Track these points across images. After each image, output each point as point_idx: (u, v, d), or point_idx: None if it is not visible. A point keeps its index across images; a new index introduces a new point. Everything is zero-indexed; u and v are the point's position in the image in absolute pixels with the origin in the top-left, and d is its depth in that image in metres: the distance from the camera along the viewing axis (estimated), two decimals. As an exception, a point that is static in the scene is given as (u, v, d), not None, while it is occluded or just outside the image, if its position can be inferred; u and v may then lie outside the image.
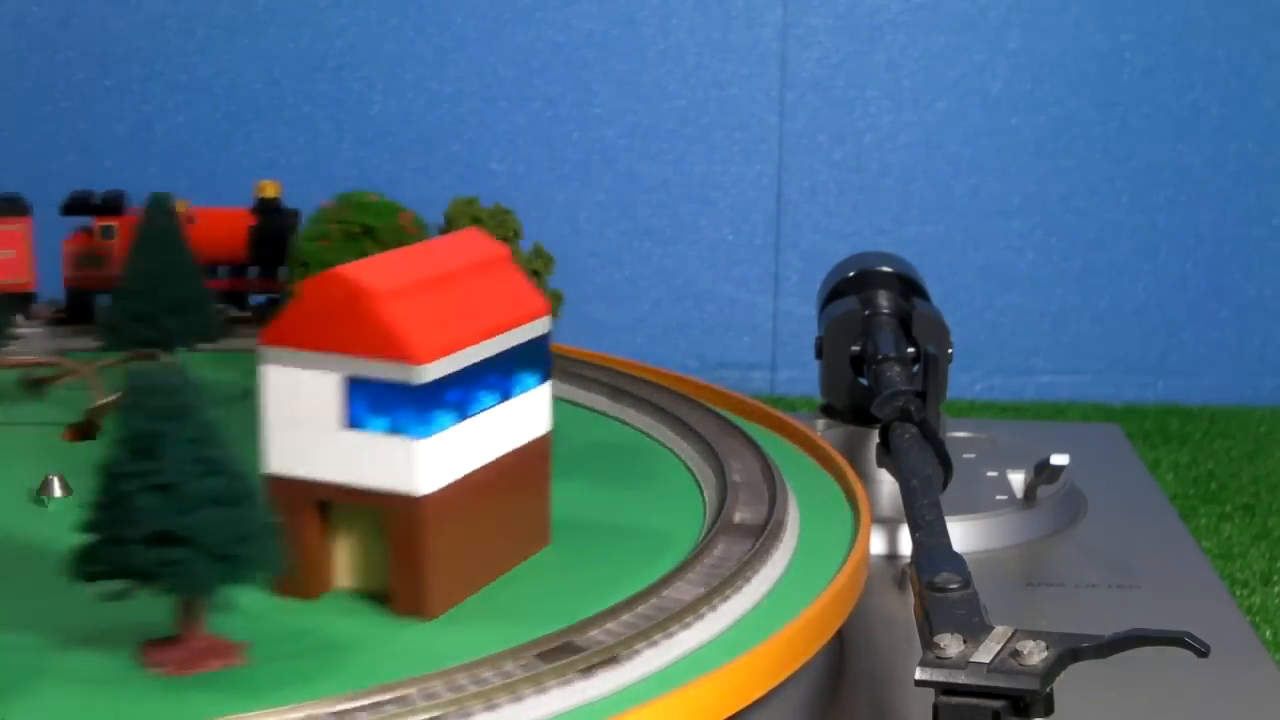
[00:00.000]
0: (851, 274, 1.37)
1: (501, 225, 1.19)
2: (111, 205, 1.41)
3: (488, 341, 0.93)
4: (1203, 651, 0.74)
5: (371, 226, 1.18)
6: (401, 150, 1.77)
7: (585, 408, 1.32)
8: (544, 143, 1.78)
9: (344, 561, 0.93)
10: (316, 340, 0.88)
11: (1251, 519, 1.38)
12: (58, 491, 1.04)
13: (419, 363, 0.87)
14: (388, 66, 1.77)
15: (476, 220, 1.18)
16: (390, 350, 0.87)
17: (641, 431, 1.29)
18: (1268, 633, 1.13)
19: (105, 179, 1.78)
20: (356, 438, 0.89)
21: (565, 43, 1.76)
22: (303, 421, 0.89)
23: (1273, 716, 0.97)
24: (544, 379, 0.99)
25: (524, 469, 0.98)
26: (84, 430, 1.18)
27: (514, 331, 0.96)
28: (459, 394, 0.91)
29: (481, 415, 0.93)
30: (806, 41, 1.76)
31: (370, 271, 0.89)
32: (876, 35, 1.75)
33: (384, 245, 1.15)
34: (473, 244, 1.00)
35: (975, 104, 1.76)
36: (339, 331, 0.88)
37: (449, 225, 1.21)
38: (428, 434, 0.88)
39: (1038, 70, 1.75)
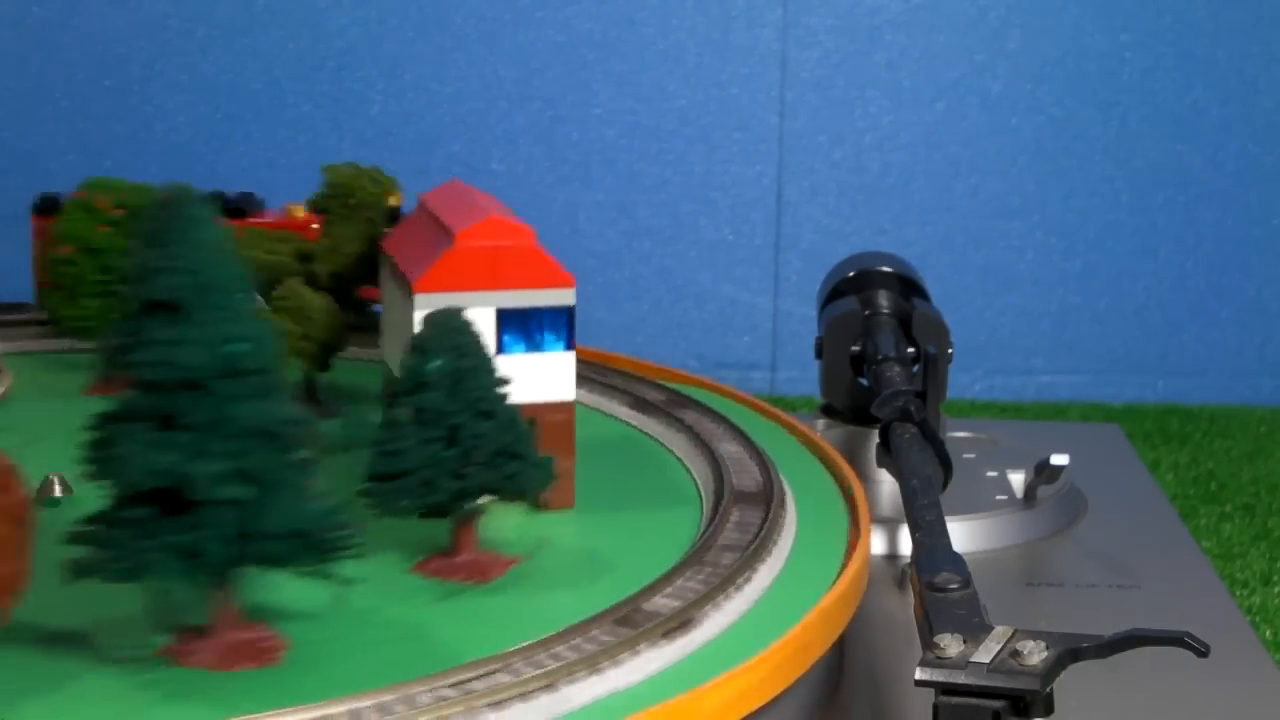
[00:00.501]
0: (851, 274, 1.37)
1: (379, 184, 1.23)
2: (240, 207, 1.41)
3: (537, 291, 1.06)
4: (1203, 651, 0.74)
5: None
6: (401, 150, 1.77)
7: (578, 404, 1.33)
8: (544, 143, 1.78)
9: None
10: (471, 281, 1.02)
11: (1251, 519, 1.38)
12: (58, 491, 1.04)
13: (572, 287, 1.04)
14: (388, 66, 1.77)
15: (375, 181, 1.22)
16: (551, 280, 1.03)
17: (636, 428, 1.29)
18: (1268, 633, 1.13)
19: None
20: (508, 361, 1.00)
21: (565, 43, 1.76)
22: None
23: (1273, 716, 0.97)
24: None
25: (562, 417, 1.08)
26: None
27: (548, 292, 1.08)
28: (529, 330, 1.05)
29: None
30: (806, 41, 1.76)
31: (507, 218, 1.05)
32: (876, 35, 1.75)
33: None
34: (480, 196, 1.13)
35: (975, 104, 1.76)
36: (495, 271, 1.02)
37: (341, 191, 1.22)
38: (571, 349, 1.04)
39: (1038, 70, 1.75)
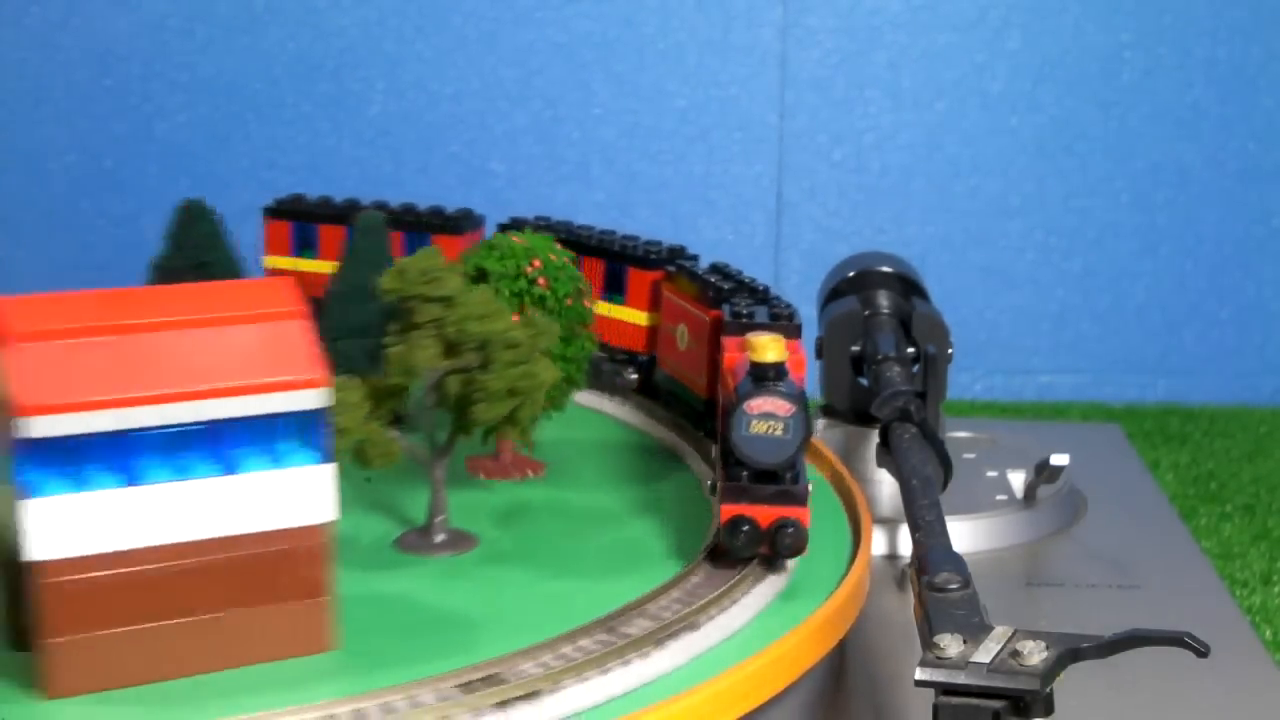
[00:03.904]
0: (851, 274, 1.37)
1: (432, 284, 1.00)
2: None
3: (182, 404, 0.81)
4: (1203, 651, 0.74)
5: (486, 270, 1.13)
6: (401, 150, 1.77)
7: (576, 404, 1.33)
8: (544, 143, 1.78)
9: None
10: None
11: (1251, 519, 1.38)
12: None
13: (26, 415, 0.78)
14: (388, 66, 1.77)
15: (401, 273, 1.01)
16: (10, 399, 0.79)
17: (636, 429, 1.29)
18: (1268, 633, 1.13)
19: (105, 179, 1.78)
20: (5, 490, 0.82)
21: (565, 43, 1.76)
22: None
23: (1273, 717, 0.97)
24: (321, 459, 0.86)
25: (269, 558, 0.85)
26: None
27: (244, 399, 0.83)
28: (124, 457, 0.81)
29: (168, 486, 0.82)
30: (806, 41, 1.76)
31: (40, 308, 0.81)
32: (876, 35, 1.75)
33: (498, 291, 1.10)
34: (261, 294, 0.89)
35: (975, 104, 1.76)
36: None
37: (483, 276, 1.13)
38: (44, 494, 0.79)
39: (1038, 70, 1.75)
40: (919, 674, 0.75)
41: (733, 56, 1.76)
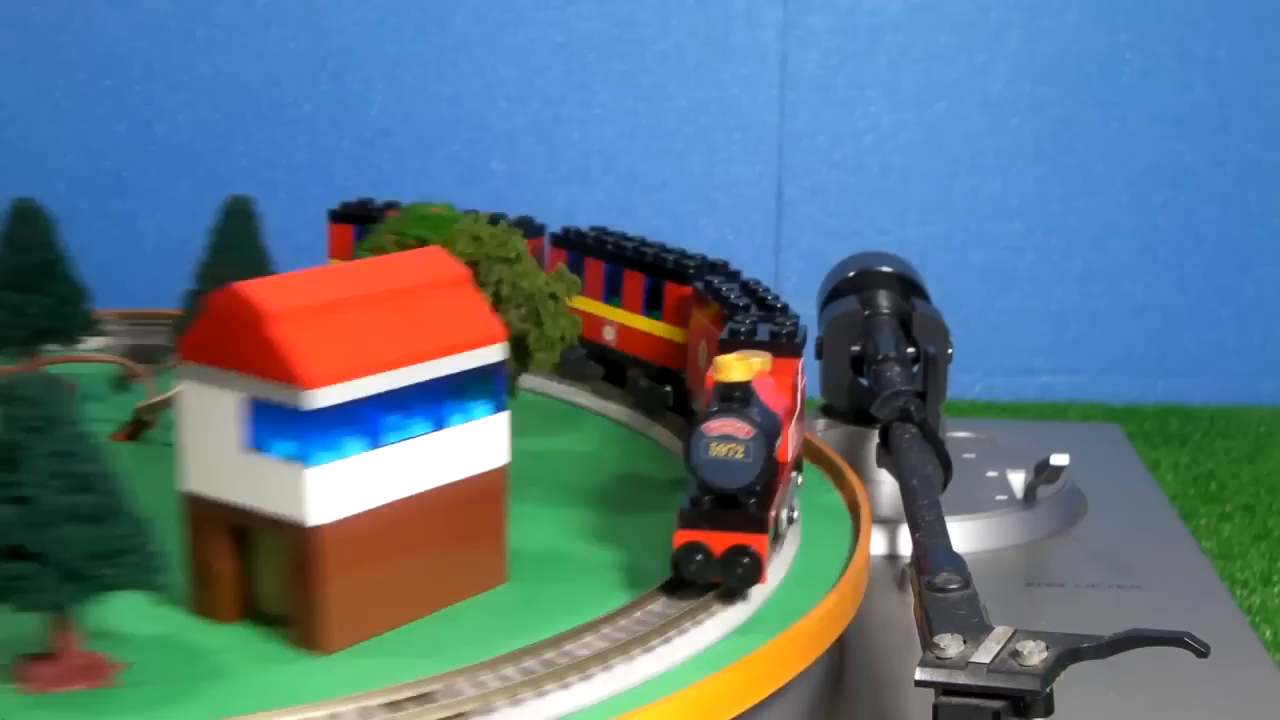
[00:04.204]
0: (851, 274, 1.37)
1: (504, 246, 1.14)
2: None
3: (409, 368, 0.88)
4: (1203, 651, 0.74)
5: (425, 238, 1.16)
6: (401, 150, 1.77)
7: (571, 403, 1.33)
8: (544, 143, 1.78)
9: (262, 586, 0.89)
10: (222, 357, 0.85)
11: (1251, 519, 1.38)
12: None
13: (308, 387, 0.83)
14: (388, 66, 1.77)
15: (476, 239, 1.14)
16: (281, 373, 0.83)
17: (637, 429, 1.29)
18: (1268, 633, 1.13)
19: (105, 179, 1.78)
20: (259, 461, 0.86)
21: (565, 43, 1.76)
22: (212, 440, 0.87)
23: (1273, 716, 0.97)
24: (497, 408, 0.95)
25: (466, 503, 0.93)
26: (134, 430, 1.20)
27: (449, 359, 0.91)
28: (368, 421, 0.86)
29: (401, 445, 0.89)
30: (806, 41, 1.76)
31: (275, 290, 0.86)
32: (876, 35, 1.75)
33: None
34: (428, 263, 0.96)
35: (975, 104, 1.76)
36: (240, 350, 0.84)
37: (449, 246, 1.14)
38: (320, 462, 0.84)
39: (1038, 70, 1.75)
40: (919, 674, 0.75)
41: (733, 56, 1.76)
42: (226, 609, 0.89)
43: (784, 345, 1.02)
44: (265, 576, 0.89)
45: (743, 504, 0.90)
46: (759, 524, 0.89)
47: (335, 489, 0.85)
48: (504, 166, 1.78)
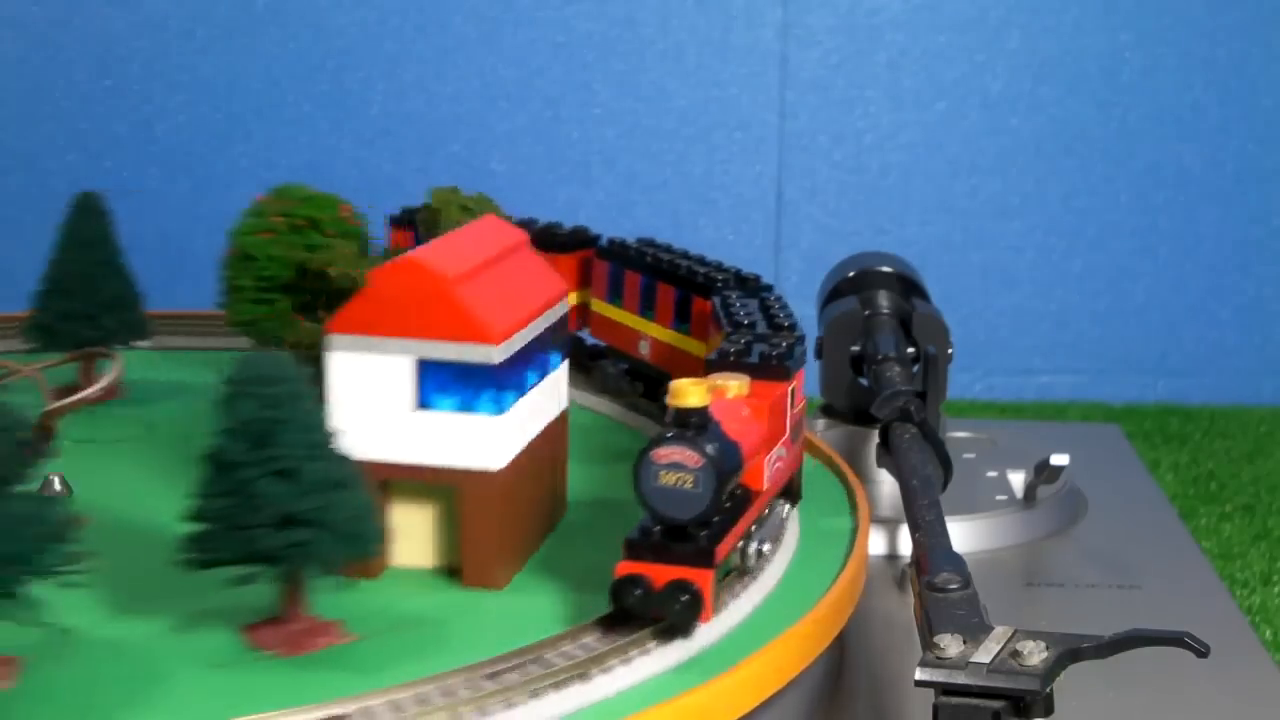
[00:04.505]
0: (851, 274, 1.37)
1: (468, 211, 1.20)
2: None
3: (535, 321, 0.98)
4: (1203, 651, 0.74)
5: (316, 219, 1.18)
6: (401, 150, 1.77)
7: (608, 417, 1.32)
8: (544, 143, 1.78)
9: (402, 539, 0.96)
10: (388, 326, 0.92)
11: (1251, 519, 1.38)
12: (57, 488, 1.04)
13: (495, 343, 0.91)
14: (388, 66, 1.77)
15: (465, 209, 1.19)
16: (468, 333, 0.91)
17: (637, 429, 1.28)
18: (1268, 633, 1.13)
19: (105, 179, 1.78)
20: (429, 418, 0.93)
21: (565, 43, 1.76)
22: (372, 405, 0.93)
23: (1273, 716, 0.97)
24: (564, 356, 1.05)
25: (555, 442, 1.03)
26: (39, 434, 1.18)
27: (551, 311, 1.01)
28: (516, 372, 0.95)
29: (531, 393, 0.98)
30: (806, 41, 1.76)
31: (437, 257, 0.93)
32: (876, 35, 1.75)
33: (328, 237, 1.17)
34: (498, 230, 1.04)
35: (975, 104, 1.76)
36: (415, 316, 0.92)
37: (436, 215, 1.20)
38: (501, 411, 0.92)
39: (1038, 70, 1.75)
40: (919, 674, 0.75)
41: (733, 56, 1.76)
42: (376, 563, 0.95)
43: (769, 368, 0.98)
44: (412, 530, 0.95)
45: (692, 536, 0.85)
46: (705, 558, 0.85)
47: (507, 436, 0.94)
48: (504, 166, 1.78)
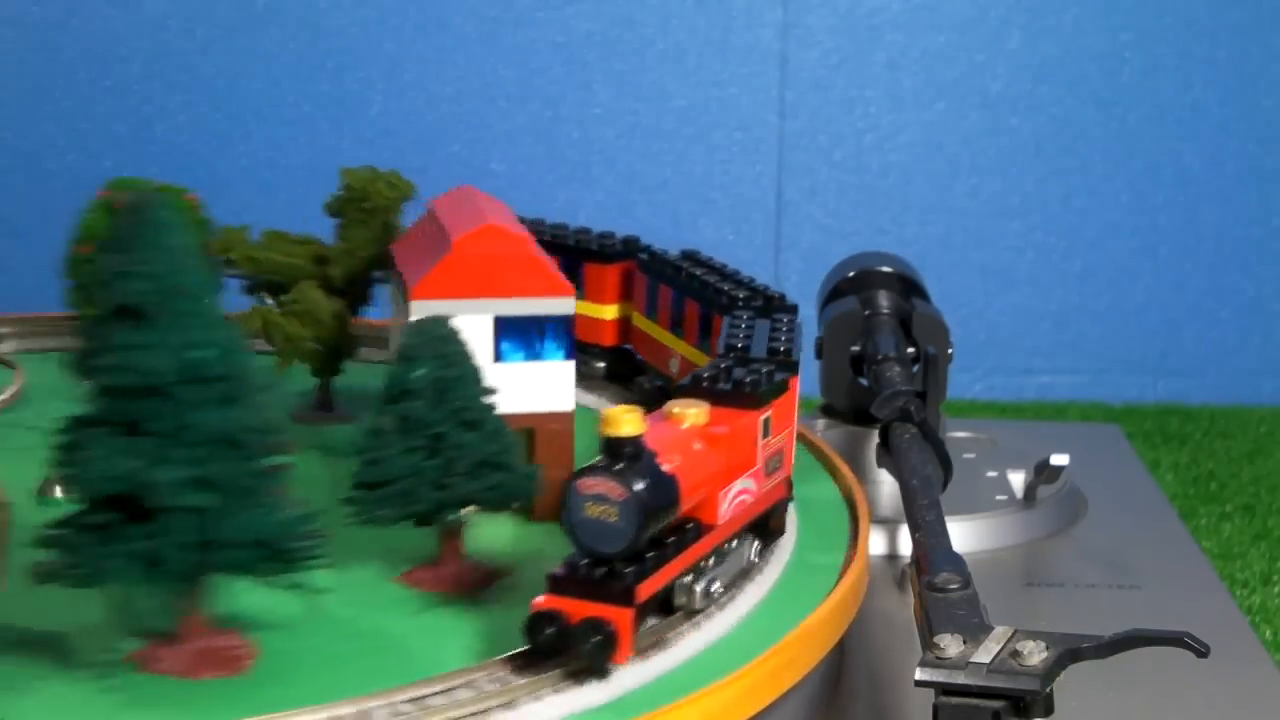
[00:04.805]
0: (851, 274, 1.37)
1: (396, 188, 1.24)
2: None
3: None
4: (1203, 651, 0.74)
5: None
6: (401, 150, 1.77)
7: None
8: (544, 143, 1.78)
9: None
10: (468, 288, 1.01)
11: (1251, 519, 1.38)
12: (57, 493, 1.04)
13: (571, 295, 1.03)
14: (388, 66, 1.77)
15: (391, 185, 1.23)
16: (552, 288, 1.03)
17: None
18: (1268, 633, 1.13)
19: (105, 178, 1.78)
20: (505, 369, 1.01)
21: (565, 43, 1.76)
22: None
23: (1273, 716, 0.97)
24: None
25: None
26: None
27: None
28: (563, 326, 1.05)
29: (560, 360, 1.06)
30: (806, 41, 1.76)
31: (509, 225, 1.05)
32: (876, 35, 1.75)
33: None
34: (489, 199, 1.13)
35: (975, 104, 1.76)
36: (496, 278, 1.02)
37: (357, 195, 1.23)
38: (568, 358, 1.03)
39: (1038, 70, 1.75)
40: (919, 674, 0.75)
41: (733, 56, 1.76)
42: None
43: (740, 396, 0.92)
44: None
45: (617, 573, 0.80)
46: (625, 597, 0.80)
47: (572, 380, 1.05)
48: (504, 166, 1.78)
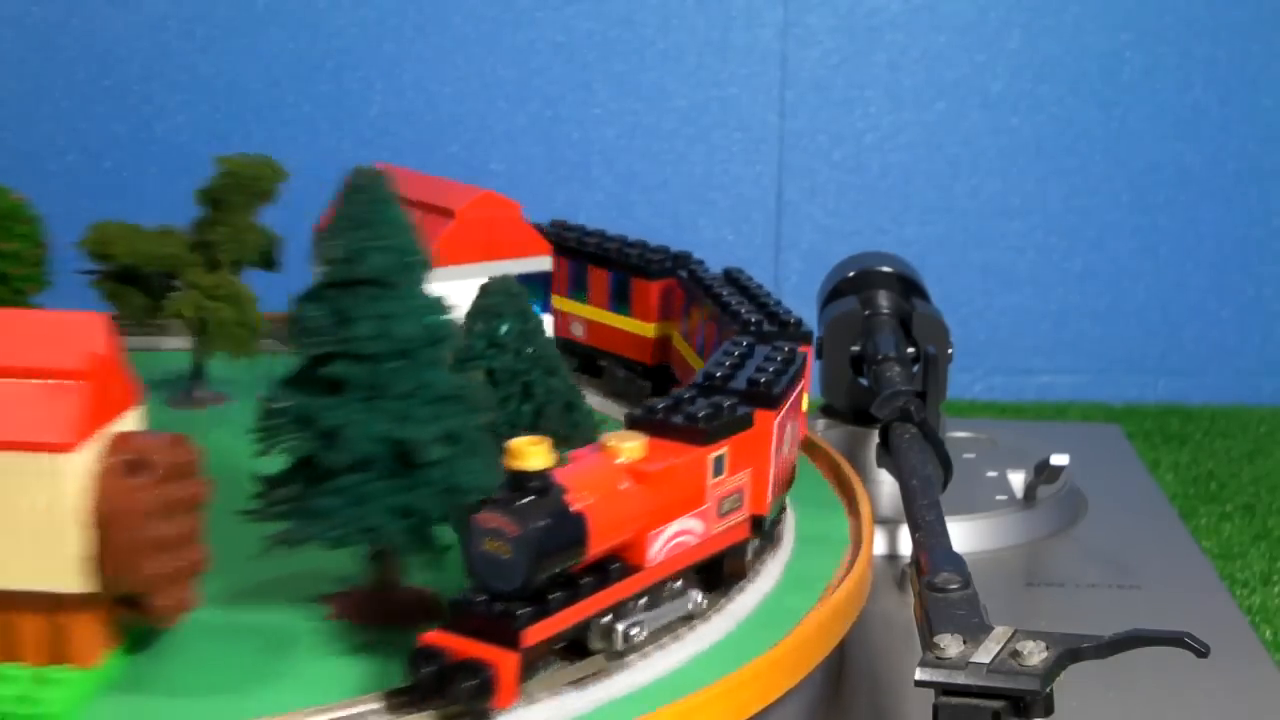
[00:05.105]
0: (851, 274, 1.37)
1: (279, 173, 1.32)
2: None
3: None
4: (1203, 651, 0.74)
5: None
6: (401, 150, 1.77)
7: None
8: (544, 143, 1.78)
9: None
10: (479, 252, 1.14)
11: (1251, 519, 1.38)
12: None
13: (548, 254, 1.20)
14: (388, 66, 1.77)
15: (275, 170, 1.32)
16: (534, 249, 1.19)
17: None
18: (1268, 633, 1.13)
19: (105, 179, 1.78)
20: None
21: (565, 43, 1.76)
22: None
23: (1273, 716, 0.97)
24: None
25: None
26: None
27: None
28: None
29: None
30: (806, 41, 1.76)
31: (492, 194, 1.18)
32: (876, 35, 1.75)
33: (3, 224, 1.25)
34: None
35: (975, 104, 1.76)
36: (497, 242, 1.15)
37: (245, 180, 1.31)
38: (547, 310, 1.16)
39: (1038, 70, 1.75)
40: (919, 674, 0.75)
41: (733, 56, 1.76)
42: None
43: (686, 431, 0.87)
44: None
45: (508, 613, 0.76)
46: (509, 639, 0.76)
47: (552, 329, 1.14)
48: (504, 166, 1.78)
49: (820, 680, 0.97)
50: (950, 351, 1.29)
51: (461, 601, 0.77)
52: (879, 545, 1.19)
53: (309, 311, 0.84)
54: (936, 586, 0.83)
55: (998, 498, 1.28)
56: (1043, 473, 1.26)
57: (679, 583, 0.88)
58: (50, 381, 0.80)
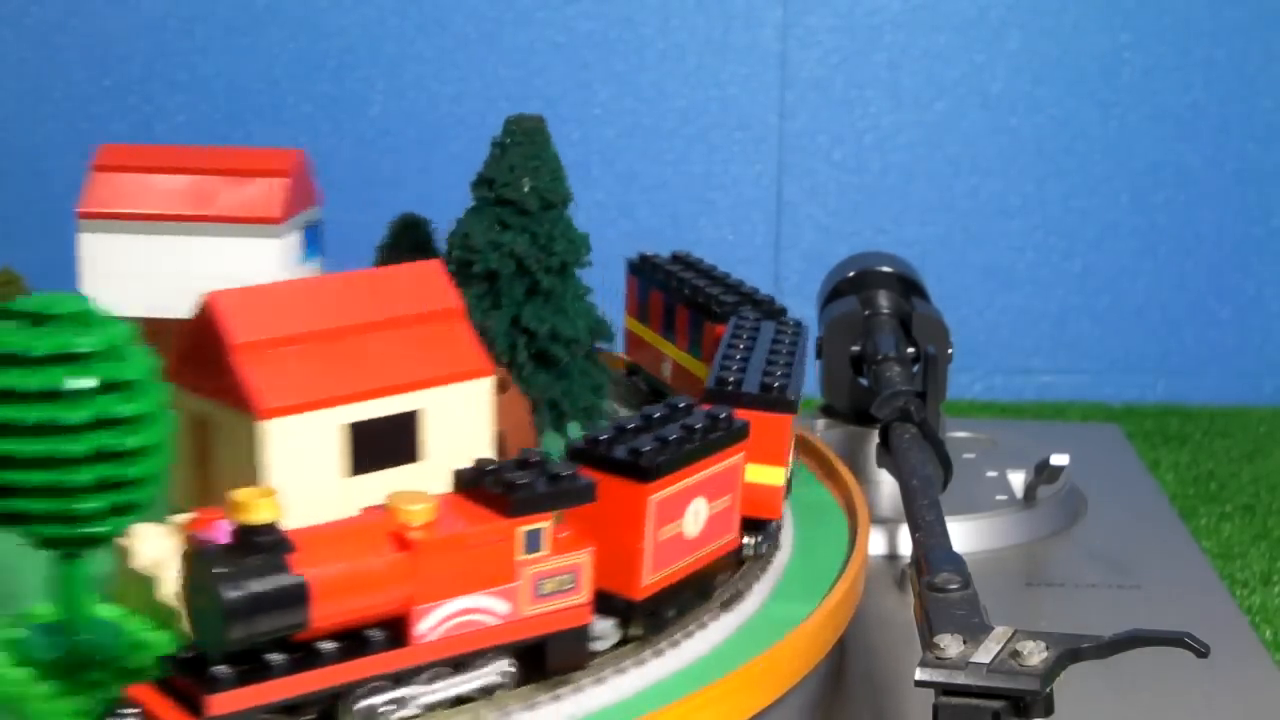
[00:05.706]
0: (851, 274, 1.37)
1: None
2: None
3: None
4: (1203, 651, 0.74)
5: None
6: (401, 150, 1.77)
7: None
8: (544, 143, 1.78)
9: None
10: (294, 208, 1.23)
11: (1251, 519, 1.38)
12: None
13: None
14: (388, 66, 1.77)
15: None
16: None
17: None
18: (1268, 633, 1.13)
19: (105, 179, 1.78)
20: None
21: (565, 43, 1.76)
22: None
23: (1273, 716, 0.97)
24: None
25: None
26: None
27: None
28: None
29: None
30: (806, 41, 1.76)
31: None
32: (876, 35, 1.75)
33: None
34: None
35: (975, 104, 1.76)
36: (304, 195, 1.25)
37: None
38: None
39: (1038, 70, 1.75)
40: (919, 674, 0.75)
41: (733, 56, 1.76)
42: None
43: (500, 501, 0.78)
44: None
45: (205, 677, 0.70)
46: (192, 706, 0.70)
47: None
48: (504, 166, 1.77)
49: (820, 681, 0.97)
50: (950, 351, 1.29)
51: (172, 657, 0.72)
52: (879, 545, 1.19)
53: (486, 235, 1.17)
54: (936, 586, 0.83)
55: (998, 498, 1.28)
56: (1043, 473, 1.26)
57: (477, 664, 0.78)
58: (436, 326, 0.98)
